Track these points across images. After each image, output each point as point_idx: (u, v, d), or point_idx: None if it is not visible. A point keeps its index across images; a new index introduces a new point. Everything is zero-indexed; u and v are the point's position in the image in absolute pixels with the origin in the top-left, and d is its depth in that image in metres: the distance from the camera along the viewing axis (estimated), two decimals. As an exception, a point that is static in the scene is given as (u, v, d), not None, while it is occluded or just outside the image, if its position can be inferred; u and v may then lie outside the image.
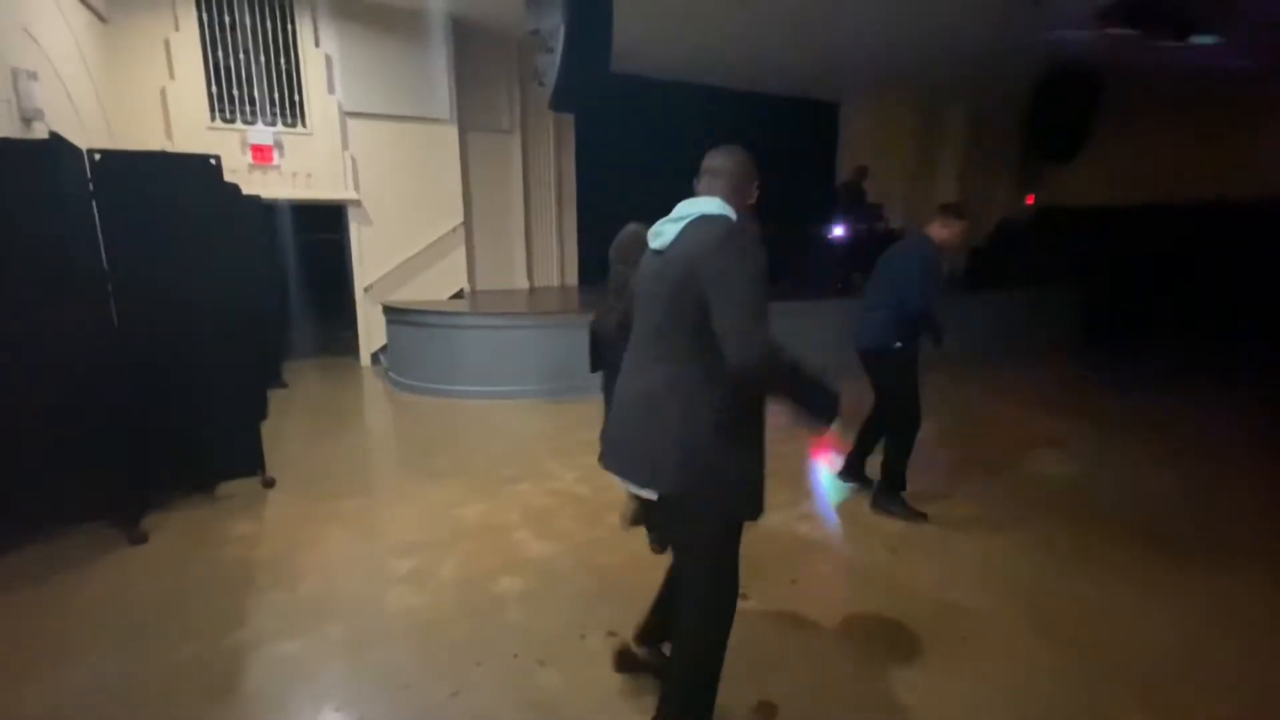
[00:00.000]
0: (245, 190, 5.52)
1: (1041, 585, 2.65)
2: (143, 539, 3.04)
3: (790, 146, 10.49)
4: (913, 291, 3.11)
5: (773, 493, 1.64)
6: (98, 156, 3.04)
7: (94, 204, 3.03)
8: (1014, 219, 10.89)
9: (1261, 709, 1.99)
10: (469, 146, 7.99)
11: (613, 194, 9.35)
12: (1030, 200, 11.37)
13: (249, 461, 3.72)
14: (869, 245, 8.62)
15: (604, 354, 2.92)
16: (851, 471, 3.67)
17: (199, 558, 2.90)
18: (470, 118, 7.90)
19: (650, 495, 1.57)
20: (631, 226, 2.77)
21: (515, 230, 8.63)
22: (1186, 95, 8.53)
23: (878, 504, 3.37)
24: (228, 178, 3.61)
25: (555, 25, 4.81)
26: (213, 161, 3.31)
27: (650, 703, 1.80)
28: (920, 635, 2.30)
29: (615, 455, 1.67)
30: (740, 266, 1.43)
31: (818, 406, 1.54)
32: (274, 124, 6.78)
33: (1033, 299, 8.62)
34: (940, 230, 3.22)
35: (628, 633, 2.05)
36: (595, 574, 2.73)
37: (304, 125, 6.88)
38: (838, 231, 7.96)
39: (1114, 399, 5.93)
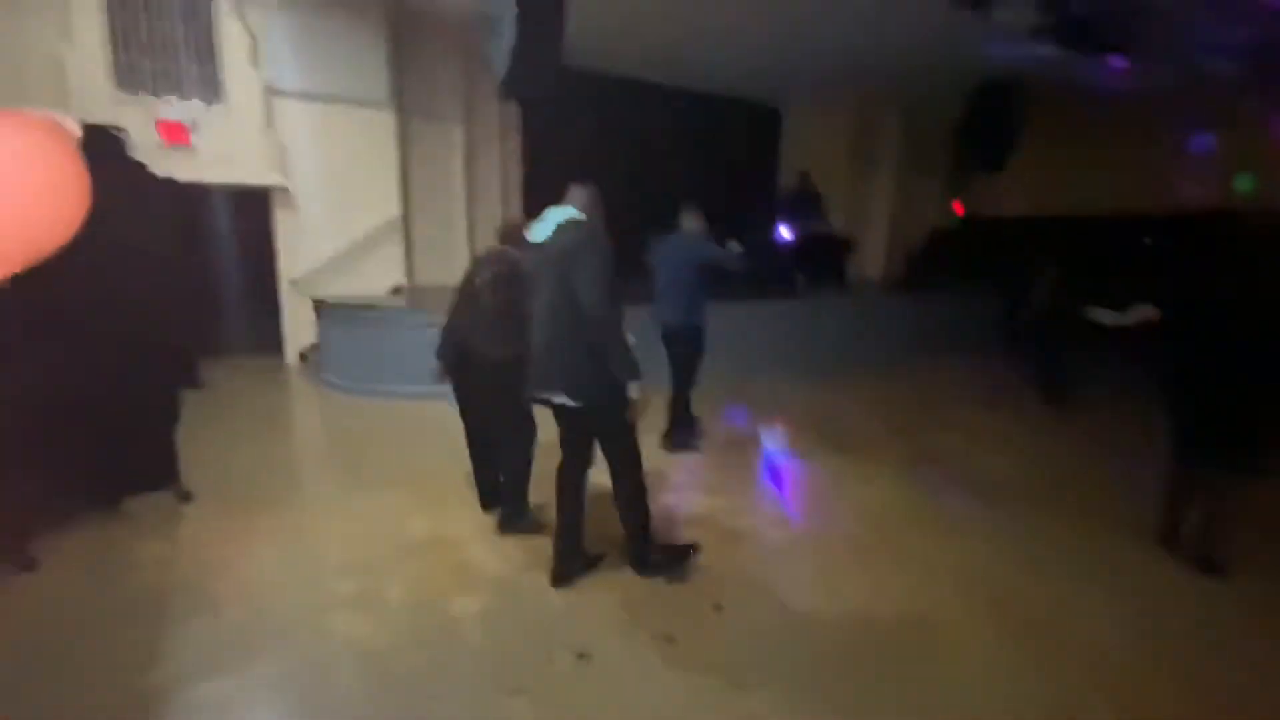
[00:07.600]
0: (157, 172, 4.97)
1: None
2: (30, 565, 2.64)
3: (733, 149, 10.59)
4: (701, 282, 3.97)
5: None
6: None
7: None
8: (944, 227, 11.41)
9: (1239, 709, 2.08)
10: (410, 133, 7.58)
11: (559, 190, 9.12)
12: (959, 208, 11.92)
13: (161, 473, 3.33)
14: (814, 248, 8.82)
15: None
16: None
17: (102, 586, 2.55)
18: (411, 103, 7.50)
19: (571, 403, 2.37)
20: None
21: (458, 223, 8.26)
22: (1103, 112, 9.14)
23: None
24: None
25: (506, 8, 4.61)
26: (117, 134, 2.94)
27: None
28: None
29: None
30: (594, 255, 2.32)
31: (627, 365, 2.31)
32: (189, 100, 6.20)
33: (959, 303, 9.09)
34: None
35: (599, 653, 2.11)
36: (559, 589, 2.57)
37: (222, 102, 6.32)
38: (785, 235, 8.09)
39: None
